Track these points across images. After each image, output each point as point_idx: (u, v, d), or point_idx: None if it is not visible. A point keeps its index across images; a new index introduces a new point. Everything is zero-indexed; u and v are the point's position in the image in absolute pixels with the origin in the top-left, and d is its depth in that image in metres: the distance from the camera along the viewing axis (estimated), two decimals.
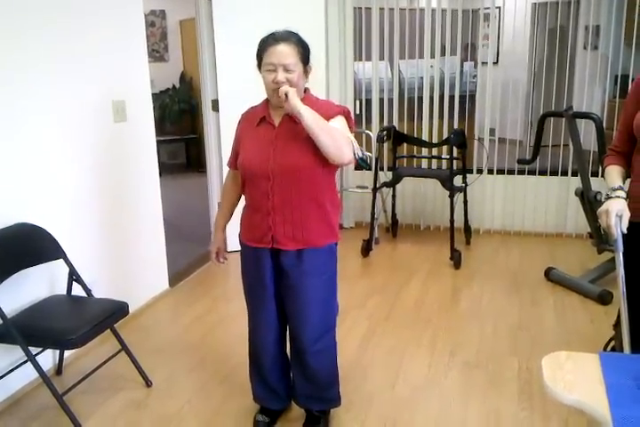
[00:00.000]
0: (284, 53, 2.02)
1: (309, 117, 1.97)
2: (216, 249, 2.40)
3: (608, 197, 1.98)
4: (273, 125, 2.13)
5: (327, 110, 2.10)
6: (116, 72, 3.26)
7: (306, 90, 2.17)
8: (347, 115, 2.15)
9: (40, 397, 2.68)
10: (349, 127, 2.15)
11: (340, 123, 2.10)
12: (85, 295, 2.74)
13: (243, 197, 2.30)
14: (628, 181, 2.12)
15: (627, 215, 1.92)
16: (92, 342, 2.55)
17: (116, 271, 3.35)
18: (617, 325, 2.09)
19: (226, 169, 2.38)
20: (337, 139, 2.00)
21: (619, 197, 1.97)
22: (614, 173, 2.10)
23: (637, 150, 2.07)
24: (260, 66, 2.10)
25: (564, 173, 4.86)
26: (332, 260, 2.26)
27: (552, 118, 4.66)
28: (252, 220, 2.20)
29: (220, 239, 2.40)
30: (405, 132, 4.81)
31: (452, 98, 4.97)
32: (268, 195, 2.11)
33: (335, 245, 2.26)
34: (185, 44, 7.77)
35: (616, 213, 1.91)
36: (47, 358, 2.84)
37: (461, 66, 4.99)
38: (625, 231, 1.91)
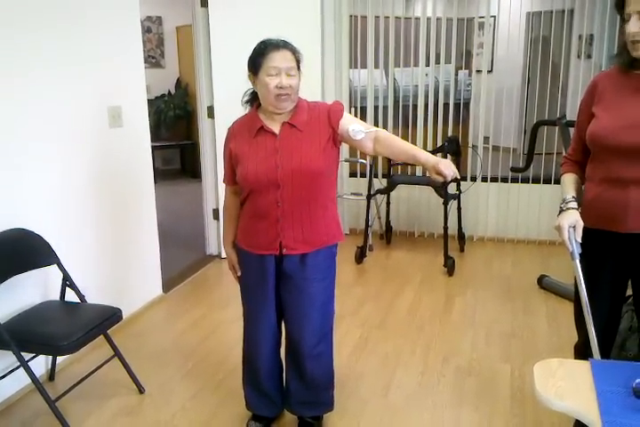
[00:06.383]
0: (287, 58, 2.04)
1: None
2: (231, 266, 2.38)
3: (561, 210, 1.99)
4: (273, 134, 2.12)
5: (331, 112, 2.14)
6: (112, 78, 3.27)
7: None
8: (343, 107, 2.19)
9: (32, 403, 2.67)
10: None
11: (351, 118, 2.17)
12: (79, 301, 2.73)
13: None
14: None
15: (580, 225, 1.93)
16: (85, 348, 2.54)
17: (109, 277, 3.35)
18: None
19: (221, 175, 2.38)
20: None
21: (569, 208, 1.97)
22: (568, 182, 2.08)
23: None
24: (255, 72, 2.06)
25: (557, 181, 4.79)
26: (333, 264, 2.29)
27: (545, 127, 4.70)
28: (256, 228, 2.19)
29: (230, 255, 2.37)
30: None
31: (446, 106, 4.99)
32: (277, 202, 2.10)
33: (336, 248, 2.28)
34: (181, 51, 7.79)
35: (569, 225, 1.92)
36: (40, 364, 2.83)
37: (456, 74, 5.02)
38: (580, 240, 1.92)
